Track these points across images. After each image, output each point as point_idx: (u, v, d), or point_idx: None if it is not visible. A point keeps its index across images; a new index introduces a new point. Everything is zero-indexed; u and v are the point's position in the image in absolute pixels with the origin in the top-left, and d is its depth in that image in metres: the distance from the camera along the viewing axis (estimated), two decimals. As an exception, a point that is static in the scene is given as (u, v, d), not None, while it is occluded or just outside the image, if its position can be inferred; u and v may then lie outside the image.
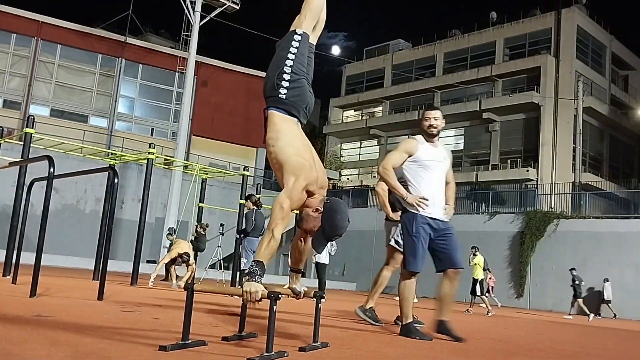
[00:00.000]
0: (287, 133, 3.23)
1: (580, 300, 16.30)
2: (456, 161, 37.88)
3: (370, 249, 26.14)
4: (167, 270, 11.72)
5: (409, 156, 4.69)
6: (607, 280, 20.24)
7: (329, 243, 3.17)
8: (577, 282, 16.24)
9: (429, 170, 4.66)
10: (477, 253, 13.58)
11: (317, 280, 11.65)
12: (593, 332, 9.26)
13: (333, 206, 3.08)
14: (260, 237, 9.93)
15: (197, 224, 14.16)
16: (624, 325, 13.58)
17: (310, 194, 3.09)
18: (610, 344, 6.76)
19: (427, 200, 4.54)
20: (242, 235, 10.05)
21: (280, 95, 3.27)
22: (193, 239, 13.56)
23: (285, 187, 3.04)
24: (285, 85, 3.28)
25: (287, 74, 3.31)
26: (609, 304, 20.14)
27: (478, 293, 13.28)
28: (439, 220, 4.61)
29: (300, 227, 3.18)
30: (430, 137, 4.75)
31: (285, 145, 3.18)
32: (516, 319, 8.97)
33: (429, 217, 4.57)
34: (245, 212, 9.96)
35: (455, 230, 4.68)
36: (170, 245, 11.42)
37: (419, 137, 4.80)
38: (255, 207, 9.80)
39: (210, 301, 6.96)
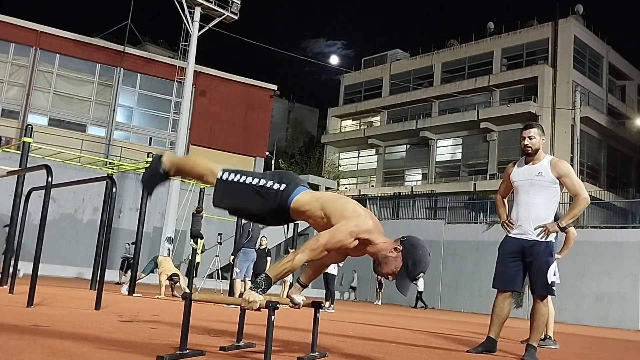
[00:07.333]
0: (321, 195, 2.99)
1: None
2: (454, 171, 38.01)
3: (368, 259, 26.02)
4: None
5: (510, 181, 4.73)
6: None
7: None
8: None
9: (518, 192, 4.67)
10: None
11: (325, 291, 11.66)
12: (595, 342, 9.24)
13: (412, 242, 2.89)
14: (254, 248, 9.94)
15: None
16: (624, 336, 13.53)
17: (367, 242, 2.92)
18: (613, 354, 6.74)
19: (511, 223, 4.64)
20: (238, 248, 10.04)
21: (280, 189, 2.94)
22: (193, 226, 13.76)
23: (334, 226, 2.83)
24: (270, 185, 2.95)
25: (262, 184, 2.96)
26: None
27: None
28: (525, 240, 4.57)
29: (380, 272, 2.96)
30: (526, 156, 4.69)
31: (333, 200, 2.93)
32: (514, 328, 8.96)
33: (515, 237, 4.63)
34: (243, 224, 9.92)
35: (538, 249, 4.53)
36: (156, 259, 11.28)
37: (521, 159, 4.75)
38: None
39: (208, 311, 6.94)
